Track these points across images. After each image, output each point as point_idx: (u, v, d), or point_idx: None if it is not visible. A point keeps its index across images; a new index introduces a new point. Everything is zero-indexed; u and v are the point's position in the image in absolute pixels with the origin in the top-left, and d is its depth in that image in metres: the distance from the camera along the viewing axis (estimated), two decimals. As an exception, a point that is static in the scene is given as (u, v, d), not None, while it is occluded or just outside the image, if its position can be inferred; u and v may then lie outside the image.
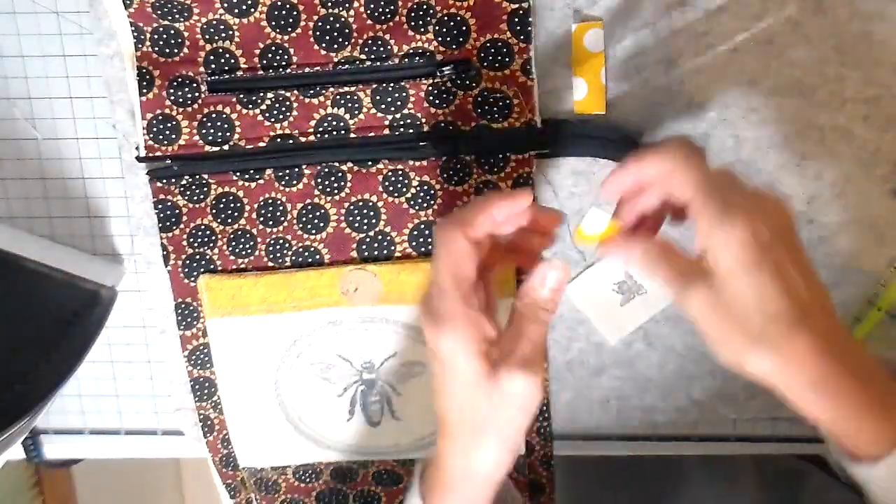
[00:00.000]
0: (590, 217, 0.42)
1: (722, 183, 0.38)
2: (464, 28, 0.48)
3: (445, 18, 0.48)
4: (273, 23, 0.49)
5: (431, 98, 0.50)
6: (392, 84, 0.50)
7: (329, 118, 0.50)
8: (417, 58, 0.49)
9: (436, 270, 0.40)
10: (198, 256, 0.53)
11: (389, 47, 0.49)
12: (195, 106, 0.50)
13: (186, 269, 0.53)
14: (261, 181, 0.52)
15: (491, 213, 0.40)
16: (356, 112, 0.50)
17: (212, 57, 0.50)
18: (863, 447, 0.38)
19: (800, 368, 0.37)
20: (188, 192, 0.52)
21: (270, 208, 0.52)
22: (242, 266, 0.53)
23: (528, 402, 0.39)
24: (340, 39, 0.49)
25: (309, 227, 0.52)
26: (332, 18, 0.49)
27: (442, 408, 0.41)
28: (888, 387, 0.39)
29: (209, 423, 0.57)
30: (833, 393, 0.38)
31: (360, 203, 0.52)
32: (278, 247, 0.53)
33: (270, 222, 0.52)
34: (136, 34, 0.49)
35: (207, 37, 0.49)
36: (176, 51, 0.50)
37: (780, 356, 0.37)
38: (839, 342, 0.38)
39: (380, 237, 0.52)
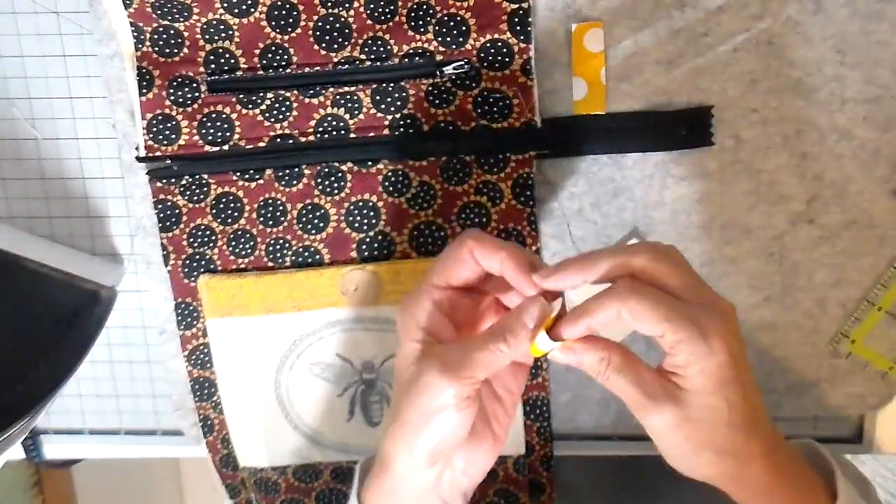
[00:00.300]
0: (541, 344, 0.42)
1: (689, 294, 0.37)
2: (464, 28, 0.48)
3: (445, 18, 0.48)
4: (273, 23, 0.49)
5: (431, 98, 0.50)
6: (392, 84, 0.50)
7: (329, 118, 0.50)
8: (417, 58, 0.49)
9: (442, 255, 0.40)
10: (198, 256, 0.53)
11: (389, 47, 0.49)
12: (195, 106, 0.50)
13: (186, 269, 0.53)
14: (261, 181, 0.52)
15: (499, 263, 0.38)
16: (356, 112, 0.50)
17: (212, 57, 0.50)
18: None
19: (751, 475, 0.39)
20: (188, 192, 0.52)
21: (270, 208, 0.52)
22: (242, 266, 0.53)
23: (442, 402, 0.37)
24: (340, 39, 0.49)
25: (309, 227, 0.52)
26: (331, 18, 0.49)
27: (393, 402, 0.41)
28: (809, 478, 0.41)
29: (209, 423, 0.57)
30: (776, 496, 0.39)
31: (360, 203, 0.52)
32: (278, 247, 0.53)
33: (270, 222, 0.52)
34: (136, 34, 0.49)
35: (207, 37, 0.49)
36: (176, 51, 0.50)
37: (739, 463, 0.39)
38: (779, 445, 0.40)
39: (380, 237, 0.52)
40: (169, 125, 0.50)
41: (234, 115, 0.50)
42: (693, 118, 0.49)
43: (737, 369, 0.37)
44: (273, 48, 0.49)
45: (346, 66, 0.49)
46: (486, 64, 0.49)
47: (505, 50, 0.48)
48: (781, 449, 0.40)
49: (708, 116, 0.49)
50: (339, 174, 0.51)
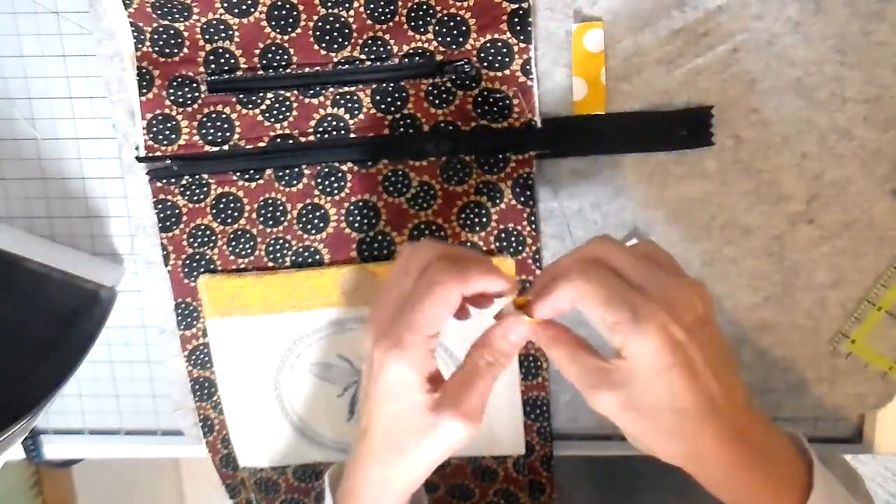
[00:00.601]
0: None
1: (641, 277, 0.39)
2: (464, 28, 0.48)
3: (445, 18, 0.48)
4: (273, 23, 0.49)
5: (431, 98, 0.50)
6: (392, 84, 0.50)
7: (329, 118, 0.50)
8: (417, 58, 0.49)
9: (420, 304, 0.40)
10: (197, 256, 0.53)
11: (389, 47, 0.49)
12: (195, 106, 0.50)
13: (186, 269, 0.53)
14: (261, 181, 0.52)
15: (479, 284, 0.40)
16: (356, 112, 0.50)
17: (212, 57, 0.50)
18: None
19: (709, 458, 0.39)
20: (188, 192, 0.52)
21: (270, 208, 0.52)
22: (242, 266, 0.53)
23: (458, 445, 0.40)
24: (340, 39, 0.49)
25: (309, 227, 0.52)
26: (332, 18, 0.49)
27: (369, 421, 0.41)
28: (791, 465, 0.41)
29: (209, 422, 0.57)
30: (738, 479, 0.40)
31: (360, 203, 0.52)
32: (278, 247, 0.53)
33: (270, 222, 0.52)
34: (136, 34, 0.49)
35: (207, 37, 0.49)
36: (176, 51, 0.50)
37: (692, 447, 0.39)
38: (748, 430, 0.40)
39: (380, 237, 0.52)
40: (169, 125, 0.50)
41: (234, 115, 0.50)
42: (693, 118, 0.49)
43: (680, 355, 0.38)
44: (273, 48, 0.49)
45: (346, 66, 0.49)
46: (486, 64, 0.49)
47: (505, 50, 0.48)
48: (754, 436, 0.40)
49: (708, 117, 0.49)
50: (339, 174, 0.51)
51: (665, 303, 0.38)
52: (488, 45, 0.48)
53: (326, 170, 0.51)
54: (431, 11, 0.48)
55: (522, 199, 0.51)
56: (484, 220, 0.51)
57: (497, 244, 0.52)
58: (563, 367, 0.41)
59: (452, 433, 0.40)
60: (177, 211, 0.52)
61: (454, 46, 0.49)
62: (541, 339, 0.42)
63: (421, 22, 0.48)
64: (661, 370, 0.38)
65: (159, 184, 0.52)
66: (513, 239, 0.51)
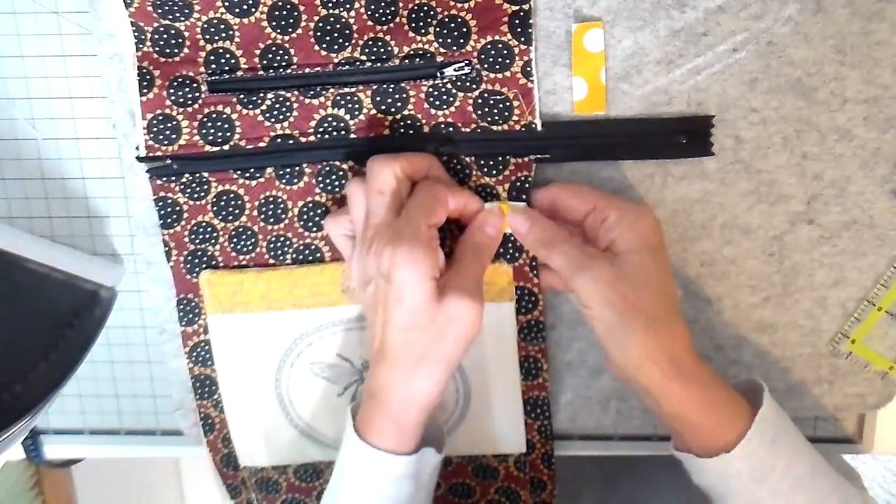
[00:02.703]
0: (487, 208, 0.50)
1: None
2: (464, 29, 0.48)
3: (446, 20, 0.48)
4: (273, 23, 0.49)
5: (432, 99, 0.50)
6: (392, 85, 0.50)
7: (329, 119, 0.50)
8: (418, 59, 0.49)
9: (417, 199, 0.45)
10: (199, 252, 0.53)
11: (390, 48, 0.49)
12: (195, 106, 0.50)
13: (188, 266, 0.53)
14: (261, 179, 0.52)
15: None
16: (356, 113, 0.50)
17: (212, 57, 0.50)
18: (709, 446, 0.44)
19: (680, 355, 0.43)
20: (188, 190, 0.52)
21: (271, 206, 0.52)
22: (244, 262, 0.53)
23: (471, 329, 0.44)
24: (341, 40, 0.49)
25: (310, 224, 0.52)
26: (332, 19, 0.49)
27: (383, 335, 0.44)
28: (726, 391, 0.45)
29: (210, 421, 0.57)
30: (687, 381, 0.43)
31: (361, 203, 0.52)
32: (279, 244, 0.53)
33: (271, 220, 0.52)
34: (136, 34, 0.49)
35: (208, 37, 0.49)
36: (176, 51, 0.50)
37: (670, 338, 0.43)
38: (695, 352, 0.45)
39: (380, 237, 0.52)
40: (169, 125, 0.50)
41: (234, 116, 0.50)
42: (693, 127, 0.49)
43: (661, 243, 0.45)
44: (274, 48, 0.49)
45: (347, 66, 0.49)
46: (486, 65, 0.49)
47: (505, 52, 0.48)
48: (704, 363, 0.45)
49: (708, 126, 0.49)
50: (340, 172, 0.51)
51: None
52: (489, 46, 0.48)
53: (327, 168, 0.51)
54: (432, 13, 0.48)
55: (519, 202, 0.51)
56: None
57: None
58: (558, 252, 0.45)
59: (461, 312, 0.43)
60: (178, 208, 0.52)
61: (455, 48, 0.49)
62: (519, 226, 0.48)
63: (422, 23, 0.48)
64: (650, 247, 0.44)
65: (159, 182, 0.52)
66: (509, 244, 0.51)
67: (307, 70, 0.49)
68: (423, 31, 0.48)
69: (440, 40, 0.49)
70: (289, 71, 0.50)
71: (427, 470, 0.47)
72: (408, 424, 0.45)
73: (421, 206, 0.45)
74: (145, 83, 0.50)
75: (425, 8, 0.48)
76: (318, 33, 0.49)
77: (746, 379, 0.48)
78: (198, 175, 0.51)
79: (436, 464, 0.48)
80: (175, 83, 0.50)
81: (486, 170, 0.50)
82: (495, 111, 0.49)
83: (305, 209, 0.52)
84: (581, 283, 0.43)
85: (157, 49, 0.49)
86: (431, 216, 0.45)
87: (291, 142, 0.51)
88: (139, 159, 0.51)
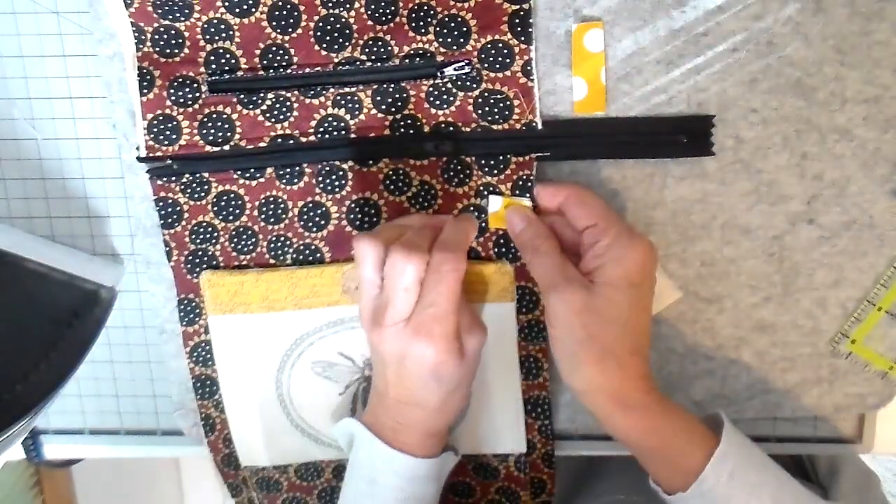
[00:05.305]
0: (492, 201, 0.51)
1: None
2: (465, 29, 0.48)
3: (446, 19, 0.48)
4: (274, 23, 0.49)
5: (432, 99, 0.50)
6: (392, 85, 0.50)
7: (329, 118, 0.50)
8: (418, 58, 0.49)
9: (443, 285, 0.45)
10: (200, 252, 0.53)
11: (390, 48, 0.49)
12: (196, 106, 0.50)
13: (189, 266, 0.53)
14: (261, 179, 0.52)
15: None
16: (357, 113, 0.50)
17: (212, 57, 0.50)
18: (671, 480, 0.45)
19: (631, 390, 0.44)
20: (189, 190, 0.52)
21: (272, 206, 0.52)
22: (244, 262, 0.53)
23: (483, 345, 0.48)
24: (341, 40, 0.49)
25: (310, 224, 0.52)
26: (332, 19, 0.49)
27: (409, 395, 0.47)
28: (692, 423, 0.45)
29: (210, 421, 0.57)
30: (630, 411, 0.44)
31: (361, 201, 0.52)
32: (279, 244, 0.53)
33: (272, 220, 0.52)
34: (136, 34, 0.49)
35: (208, 37, 0.49)
36: (177, 51, 0.50)
37: (621, 371, 0.44)
38: (653, 385, 0.45)
39: (380, 237, 0.52)
40: (170, 125, 0.50)
41: (234, 116, 0.50)
42: (693, 126, 0.49)
43: (643, 281, 0.44)
44: (274, 48, 0.49)
45: (347, 66, 0.49)
46: (486, 65, 0.49)
47: (506, 51, 0.48)
48: (659, 395, 0.45)
49: (708, 126, 0.49)
50: (340, 172, 0.51)
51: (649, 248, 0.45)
52: (489, 46, 0.48)
53: (327, 168, 0.51)
54: (432, 12, 0.48)
55: (523, 198, 0.51)
56: (484, 223, 0.51)
57: (496, 249, 0.52)
58: (541, 261, 0.46)
59: (475, 346, 0.47)
60: (178, 208, 0.52)
61: (455, 47, 0.49)
62: (515, 224, 0.49)
63: (422, 23, 0.48)
64: (629, 285, 0.44)
65: (160, 182, 0.52)
66: (511, 244, 0.51)
67: (307, 70, 0.49)
68: (423, 30, 0.48)
69: (440, 40, 0.49)
70: (289, 71, 0.50)
71: (447, 470, 0.51)
72: (440, 433, 0.49)
73: (447, 295, 0.44)
74: (145, 83, 0.50)
75: (425, 7, 0.48)
76: (319, 33, 0.49)
77: (710, 414, 0.48)
78: (198, 175, 0.51)
79: (453, 464, 0.52)
80: (175, 83, 0.50)
81: (487, 169, 0.50)
82: (495, 110, 0.49)
83: (306, 209, 0.52)
84: (551, 301, 0.45)
85: (158, 49, 0.49)
86: (455, 301, 0.45)
87: (292, 142, 0.51)
88: (139, 159, 0.51)
